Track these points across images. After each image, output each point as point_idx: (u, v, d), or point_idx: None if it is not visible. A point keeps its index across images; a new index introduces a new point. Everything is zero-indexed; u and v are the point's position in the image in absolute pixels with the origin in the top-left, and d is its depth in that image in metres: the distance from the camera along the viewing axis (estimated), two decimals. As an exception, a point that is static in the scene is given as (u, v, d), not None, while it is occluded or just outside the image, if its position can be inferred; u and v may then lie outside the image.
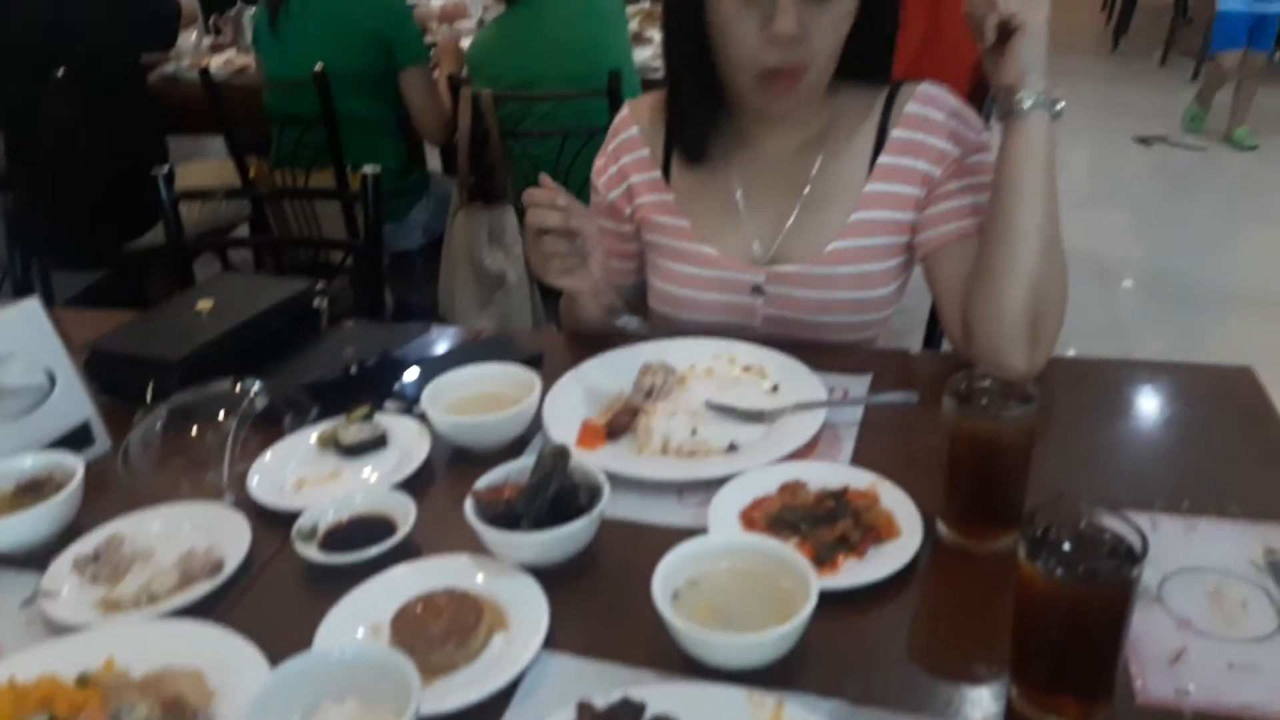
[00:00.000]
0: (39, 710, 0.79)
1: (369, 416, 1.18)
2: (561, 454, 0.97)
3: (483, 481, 0.99)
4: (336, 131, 2.73)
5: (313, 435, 1.18)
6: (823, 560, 0.91)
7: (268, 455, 1.15)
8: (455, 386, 1.20)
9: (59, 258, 2.91)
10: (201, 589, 0.95)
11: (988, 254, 1.17)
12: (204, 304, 1.38)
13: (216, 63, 3.54)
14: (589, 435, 1.14)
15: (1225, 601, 0.85)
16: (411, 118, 2.91)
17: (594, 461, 1.01)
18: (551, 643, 0.85)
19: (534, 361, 1.29)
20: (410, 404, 1.23)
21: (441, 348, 1.41)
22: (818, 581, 0.81)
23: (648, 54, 3.13)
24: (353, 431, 1.16)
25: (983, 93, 1.20)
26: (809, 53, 1.16)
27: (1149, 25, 7.19)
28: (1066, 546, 0.73)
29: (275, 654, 0.82)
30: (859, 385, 1.22)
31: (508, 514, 0.94)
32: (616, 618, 0.89)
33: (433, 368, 1.25)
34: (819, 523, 0.95)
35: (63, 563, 1.00)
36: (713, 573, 0.87)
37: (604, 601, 0.92)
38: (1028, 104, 1.11)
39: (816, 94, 1.25)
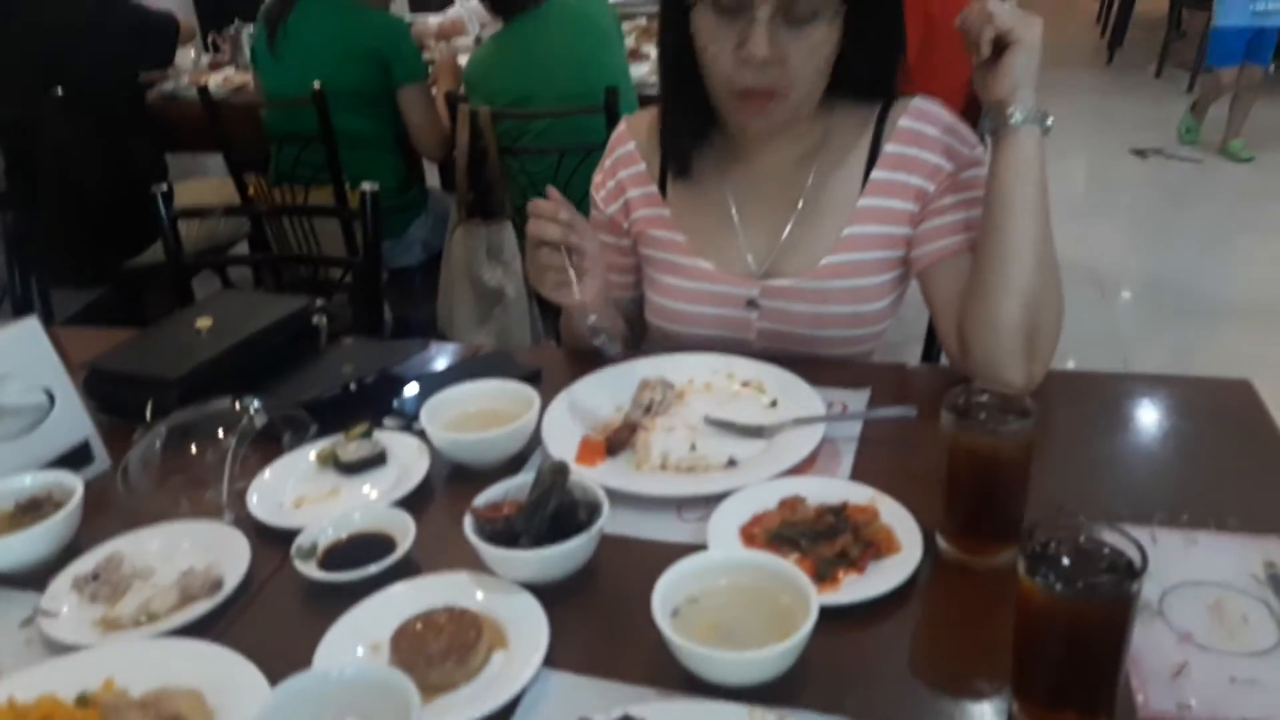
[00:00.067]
0: (38, 730, 0.79)
1: (368, 434, 1.18)
2: (560, 470, 0.97)
3: (481, 498, 0.99)
4: (335, 149, 2.74)
5: (312, 453, 1.18)
6: (823, 576, 0.91)
7: (267, 473, 1.15)
8: (454, 403, 1.20)
9: (58, 276, 2.92)
10: (201, 608, 0.95)
11: (981, 269, 1.17)
12: (203, 322, 1.38)
13: (215, 80, 3.56)
14: (588, 451, 1.14)
15: (1226, 615, 0.85)
16: (410, 135, 2.92)
17: (593, 478, 1.01)
18: (551, 660, 0.85)
19: (533, 378, 1.29)
20: (409, 421, 1.23)
21: (440, 364, 1.41)
22: (818, 597, 0.81)
23: (644, 70, 3.14)
24: (352, 449, 1.16)
25: (977, 108, 1.20)
26: (784, 75, 1.17)
27: (1143, 38, 7.23)
28: (1066, 561, 0.73)
29: (275, 673, 0.82)
30: (857, 400, 1.22)
31: (507, 531, 0.94)
32: (616, 635, 0.89)
33: (431, 384, 1.25)
34: (819, 538, 0.95)
35: (62, 582, 1.00)
36: (713, 589, 0.87)
37: (604, 619, 0.91)
38: (1018, 118, 1.12)
39: (801, 113, 1.26)
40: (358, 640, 0.89)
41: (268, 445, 1.18)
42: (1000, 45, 1.11)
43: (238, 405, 1.18)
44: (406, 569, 0.97)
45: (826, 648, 0.82)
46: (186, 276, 2.14)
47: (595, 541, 0.95)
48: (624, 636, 0.88)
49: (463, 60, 3.06)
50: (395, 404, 1.26)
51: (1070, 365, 3.04)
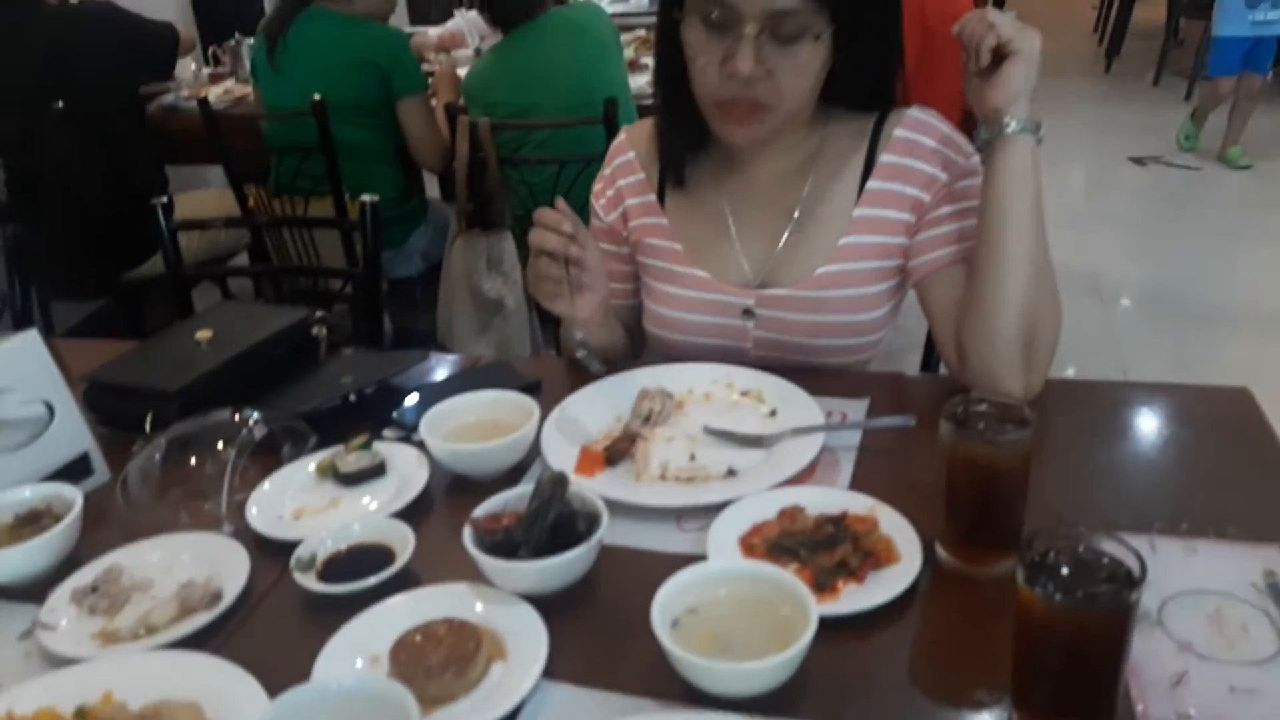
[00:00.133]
0: (37, 744, 0.79)
1: (367, 445, 1.18)
2: (560, 481, 0.97)
3: (481, 509, 0.99)
4: (335, 160, 2.75)
5: (311, 464, 1.18)
6: (822, 586, 0.90)
7: (266, 485, 1.15)
8: (454, 414, 1.20)
9: (58, 288, 2.92)
10: (200, 620, 0.94)
11: (978, 280, 1.17)
12: (203, 334, 1.38)
13: (215, 92, 3.57)
14: (587, 462, 1.14)
15: (1226, 624, 0.85)
16: (409, 147, 2.93)
17: (592, 488, 1.01)
18: (551, 672, 0.85)
19: (532, 388, 1.29)
20: (409, 432, 1.23)
21: (440, 375, 1.41)
22: (817, 608, 0.81)
23: (643, 81, 3.15)
24: (351, 460, 1.16)
25: (974, 119, 1.21)
26: (770, 90, 1.18)
27: (1141, 47, 7.25)
28: (1065, 571, 0.73)
29: (274, 685, 0.82)
30: (857, 409, 1.22)
31: (506, 542, 0.94)
32: (616, 646, 0.89)
33: (431, 395, 1.25)
34: (818, 548, 0.95)
35: (61, 594, 1.00)
36: (712, 600, 0.87)
37: (603, 630, 0.91)
38: (1014, 128, 1.12)
39: (789, 126, 1.27)
40: (357, 652, 0.89)
41: (267, 457, 1.18)
42: (999, 55, 1.11)
43: (237, 417, 1.18)
44: (406, 580, 0.97)
45: (826, 658, 0.82)
46: (186, 288, 2.14)
47: (594, 552, 0.95)
48: (623, 648, 0.88)
49: (462, 72, 3.07)
50: (395, 415, 1.26)
51: (1069, 373, 3.04)
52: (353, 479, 1.15)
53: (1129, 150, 5.37)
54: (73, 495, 1.09)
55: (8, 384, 1.14)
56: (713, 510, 1.02)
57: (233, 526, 1.09)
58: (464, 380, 1.33)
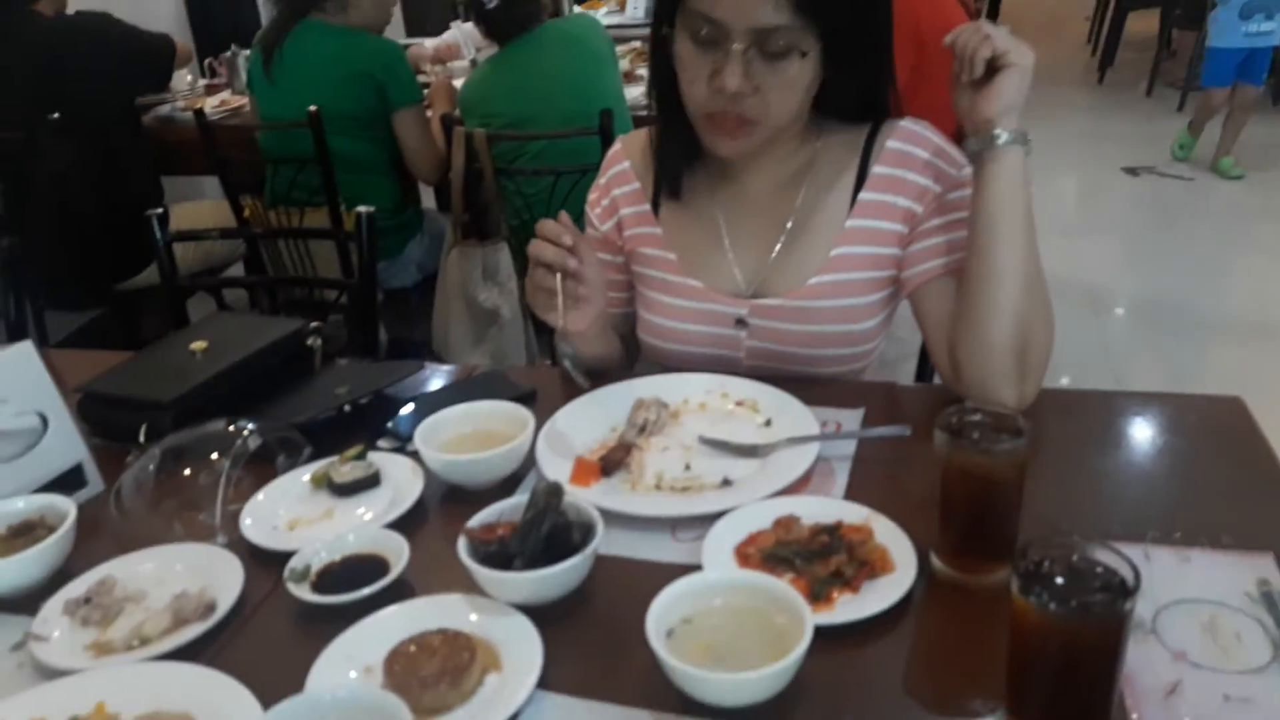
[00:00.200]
0: (29, 757, 0.79)
1: (362, 455, 1.18)
2: (555, 491, 0.97)
3: (476, 520, 0.99)
4: (331, 171, 2.75)
5: (306, 475, 1.18)
6: (817, 596, 0.90)
7: (260, 495, 1.15)
8: (448, 424, 1.20)
9: (53, 298, 2.92)
10: (193, 631, 0.94)
11: (969, 292, 1.18)
12: (197, 344, 1.38)
13: (211, 103, 3.57)
14: (582, 472, 1.14)
15: (1220, 633, 0.85)
16: (405, 158, 2.93)
17: (588, 498, 1.01)
18: (545, 683, 0.85)
19: (527, 398, 1.29)
20: (403, 442, 1.23)
21: (435, 385, 1.41)
22: (812, 617, 0.81)
23: (638, 92, 3.16)
24: (346, 471, 1.16)
25: (967, 131, 1.23)
26: (757, 106, 1.18)
27: (1134, 58, 7.29)
28: (1059, 580, 0.73)
29: (267, 696, 0.81)
30: (852, 419, 1.22)
31: (501, 553, 0.94)
32: (611, 656, 0.89)
33: (426, 405, 1.25)
34: (813, 558, 0.95)
35: (54, 606, 0.99)
36: (707, 610, 0.87)
37: (598, 640, 0.91)
38: (1005, 139, 1.13)
39: (779, 139, 1.27)
40: (351, 663, 0.88)
41: (262, 467, 1.18)
42: (993, 67, 1.12)
43: (232, 428, 1.18)
44: (400, 591, 0.97)
45: (821, 668, 0.82)
46: (181, 299, 2.14)
47: (590, 563, 0.95)
48: (618, 658, 0.88)
49: (457, 83, 3.07)
50: (389, 425, 1.26)
51: (1063, 382, 3.05)
52: (347, 489, 1.15)
53: (1122, 160, 5.39)
54: (66, 506, 1.09)
55: (1, 395, 1.14)
56: (708, 520, 1.02)
57: (227, 537, 1.08)
58: (459, 390, 1.33)
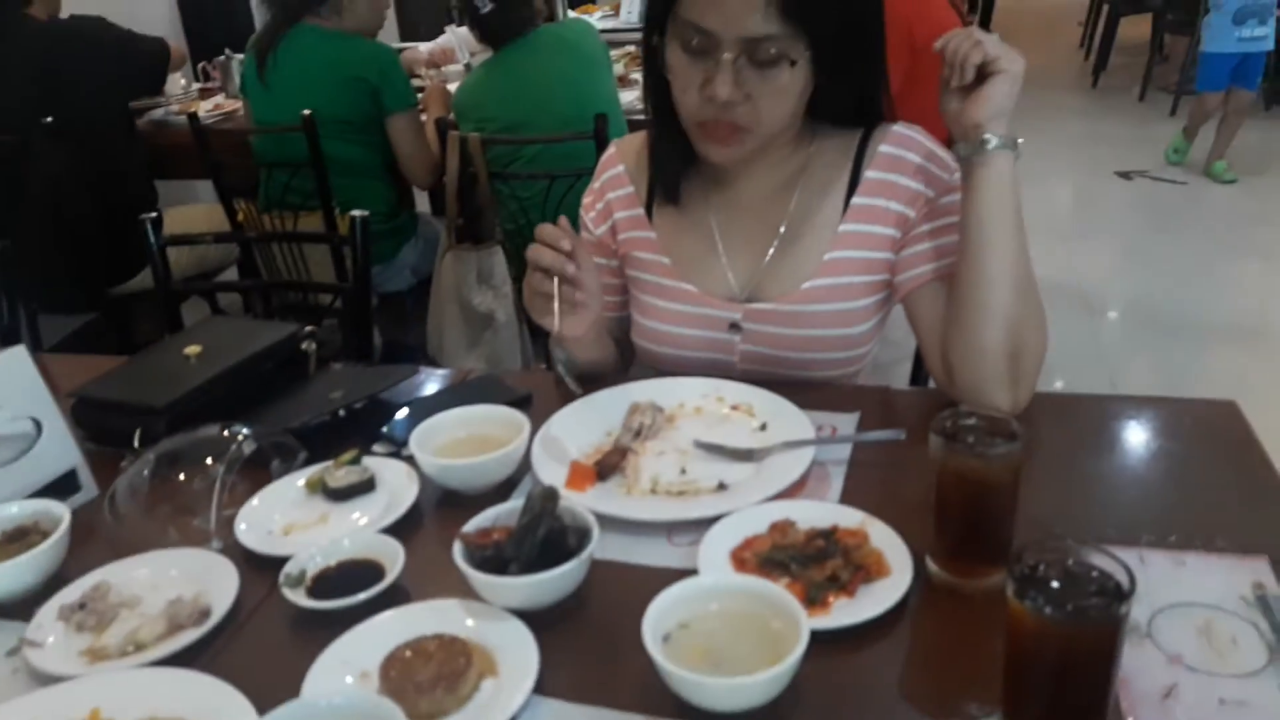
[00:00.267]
0: (23, 764, 0.78)
1: (357, 460, 1.18)
2: (550, 496, 0.97)
3: (471, 524, 0.99)
4: (325, 175, 2.75)
5: (300, 479, 1.18)
6: (813, 600, 0.90)
7: (255, 500, 1.14)
8: (444, 429, 1.20)
9: (46, 302, 2.91)
10: (188, 637, 0.94)
11: (961, 296, 1.18)
12: (192, 349, 1.38)
13: (205, 107, 3.57)
14: (578, 476, 1.14)
15: (1215, 637, 0.85)
16: (399, 163, 2.93)
17: (583, 503, 1.01)
18: (541, 688, 0.84)
19: (522, 403, 1.29)
20: (398, 447, 1.23)
21: (430, 390, 1.41)
22: (808, 622, 0.81)
23: (633, 96, 3.16)
24: (341, 475, 1.16)
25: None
26: (749, 113, 1.19)
27: (1127, 63, 7.31)
28: (1055, 584, 0.73)
29: (263, 702, 0.81)
30: (847, 423, 1.22)
31: (496, 557, 0.94)
32: (607, 661, 0.89)
33: (421, 410, 1.25)
34: (809, 562, 0.95)
35: (48, 612, 0.99)
36: (703, 615, 0.87)
37: (594, 645, 0.91)
38: (994, 144, 1.13)
39: (774, 144, 1.28)
40: (347, 668, 0.88)
41: (256, 472, 1.18)
42: (983, 73, 1.12)
43: (226, 432, 1.17)
44: (395, 596, 0.97)
45: (818, 672, 0.82)
46: (175, 303, 2.14)
47: (585, 567, 0.95)
48: (614, 663, 0.88)
49: (452, 87, 3.08)
50: (384, 430, 1.26)
51: (1058, 386, 3.05)
52: (342, 494, 1.15)
53: (1115, 165, 5.41)
54: (60, 512, 1.08)
55: (-5, 400, 1.14)
56: (704, 524, 1.02)
57: (221, 542, 1.08)
58: (454, 395, 1.33)
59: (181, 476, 1.16)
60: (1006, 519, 0.93)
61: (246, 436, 1.17)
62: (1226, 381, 3.23)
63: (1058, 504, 1.04)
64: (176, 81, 3.83)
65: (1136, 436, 1.19)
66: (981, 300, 1.16)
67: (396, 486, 1.15)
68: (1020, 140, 1.15)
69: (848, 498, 1.08)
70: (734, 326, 1.33)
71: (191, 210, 3.43)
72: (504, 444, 1.14)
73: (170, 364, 1.37)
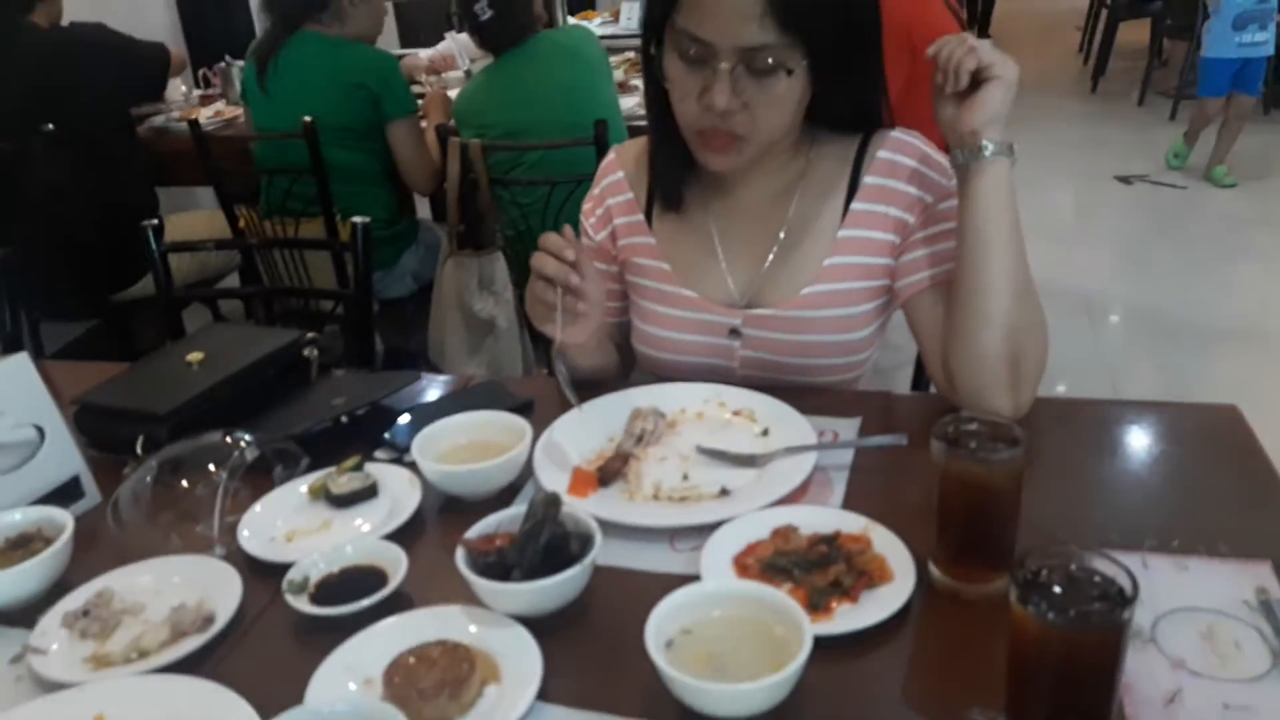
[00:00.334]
0: (27, 771, 0.78)
1: (359, 466, 1.18)
2: (553, 502, 0.97)
3: (473, 531, 0.99)
4: (326, 182, 2.75)
5: (303, 486, 1.18)
6: (816, 606, 0.90)
7: (258, 507, 1.14)
8: (446, 435, 1.20)
9: (48, 309, 2.91)
10: (192, 643, 0.94)
11: (960, 303, 1.18)
12: (194, 356, 1.38)
13: (206, 114, 3.57)
14: (580, 482, 1.14)
15: (1219, 642, 0.85)
16: (399, 169, 2.94)
17: (585, 509, 1.01)
18: (545, 694, 0.84)
19: (524, 409, 1.29)
20: (401, 453, 1.23)
21: (432, 396, 1.41)
22: (811, 628, 0.81)
23: (633, 102, 3.17)
24: (343, 482, 1.16)
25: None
26: (746, 122, 1.19)
27: (1126, 67, 7.32)
28: (1058, 589, 0.73)
29: (267, 709, 0.81)
30: (849, 428, 1.22)
31: (499, 564, 0.94)
32: (610, 667, 0.89)
33: (423, 416, 1.25)
34: (812, 568, 0.95)
35: (52, 618, 0.99)
36: (706, 621, 0.87)
37: (597, 651, 0.91)
38: (990, 151, 1.13)
39: (773, 151, 1.28)
40: (350, 675, 0.88)
41: (259, 479, 1.18)
42: (977, 80, 1.12)
43: (229, 439, 1.17)
44: (399, 603, 0.97)
45: (821, 678, 0.82)
46: (177, 310, 2.14)
47: (588, 573, 0.95)
48: (618, 669, 0.88)
49: (452, 94, 3.08)
50: (386, 436, 1.26)
51: (1059, 390, 3.06)
52: (345, 501, 1.15)
53: (1115, 169, 5.41)
54: (63, 519, 1.09)
55: (-2, 407, 1.14)
56: (706, 530, 1.02)
57: (224, 549, 1.08)
58: (456, 401, 1.33)
59: (184, 483, 1.16)
60: (1009, 524, 0.93)
61: (249, 443, 1.17)
62: (1228, 386, 3.23)
63: (1060, 509, 1.04)
64: (177, 88, 3.83)
65: (1138, 441, 1.19)
66: (980, 307, 1.16)
67: (399, 493, 1.15)
68: (1015, 146, 1.15)
69: (850, 503, 1.08)
70: (734, 332, 1.33)
71: (193, 217, 3.43)
72: (506, 450, 1.14)
73: (172, 371, 1.38)
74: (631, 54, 3.93)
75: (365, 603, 0.95)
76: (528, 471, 1.17)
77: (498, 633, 0.91)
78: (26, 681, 0.93)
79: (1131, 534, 0.98)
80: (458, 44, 3.89)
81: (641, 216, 1.41)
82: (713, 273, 1.36)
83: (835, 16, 1.16)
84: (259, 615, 1.00)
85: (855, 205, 1.30)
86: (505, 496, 1.14)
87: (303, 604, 0.97)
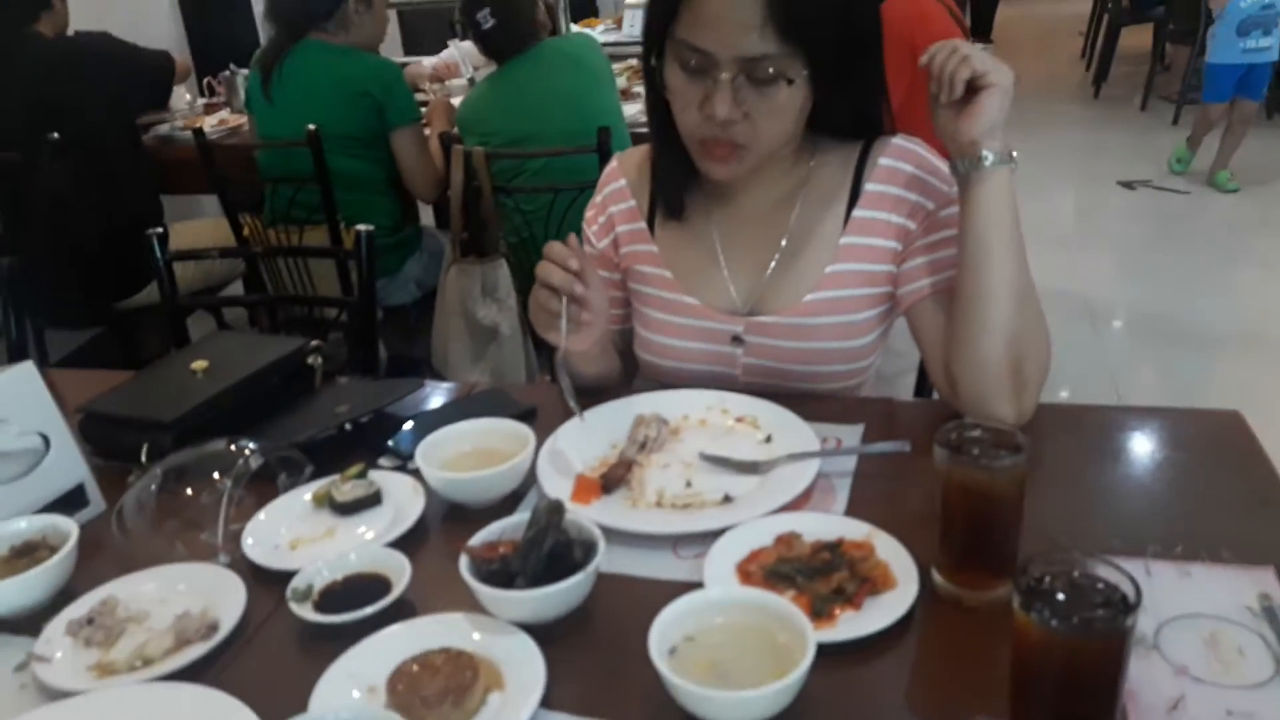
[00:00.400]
0: (32, 779, 0.79)
1: (363, 474, 1.18)
2: (556, 509, 0.97)
3: (477, 538, 0.99)
4: (330, 190, 2.76)
5: (307, 494, 1.18)
6: (819, 613, 0.91)
7: (262, 515, 1.15)
8: (449, 442, 1.20)
9: (53, 317, 2.92)
10: (196, 651, 0.94)
11: (961, 310, 1.18)
12: (198, 364, 1.38)
13: (210, 122, 3.58)
14: (583, 489, 1.14)
15: (1222, 648, 0.85)
16: (403, 177, 2.94)
17: (589, 516, 1.01)
18: (548, 702, 0.85)
19: (528, 416, 1.30)
20: (404, 460, 1.23)
21: (435, 403, 1.41)
22: (815, 635, 0.81)
23: (636, 109, 3.18)
24: (347, 489, 1.16)
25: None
26: (747, 131, 1.19)
27: (1128, 73, 7.33)
28: (1061, 596, 0.73)
29: (270, 717, 0.82)
30: (851, 435, 1.22)
31: (502, 571, 0.94)
32: (613, 675, 0.89)
33: (426, 423, 1.25)
34: (815, 575, 0.95)
35: (56, 626, 0.99)
36: (709, 628, 0.87)
37: (601, 658, 0.91)
38: (991, 160, 1.13)
39: (775, 158, 1.28)
40: (354, 683, 0.88)
41: (263, 487, 1.18)
42: (973, 88, 1.12)
43: (233, 447, 1.18)
44: (402, 610, 0.97)
45: (824, 685, 0.82)
46: (181, 318, 2.14)
47: (591, 580, 0.95)
48: (621, 676, 0.88)
49: (456, 101, 3.09)
50: (390, 444, 1.26)
51: (1063, 396, 3.05)
52: (349, 508, 1.15)
53: (1118, 174, 5.41)
54: (68, 527, 1.09)
55: (3, 415, 1.14)
56: (709, 537, 1.02)
57: (229, 557, 1.08)
58: (459, 408, 1.33)
59: (189, 491, 1.16)
60: (1012, 531, 0.93)
61: (253, 451, 1.17)
62: (1231, 391, 3.23)
63: (1063, 515, 1.04)
64: (182, 97, 3.84)
65: (1141, 447, 1.19)
66: (981, 314, 1.16)
67: (402, 500, 1.15)
68: (1015, 153, 1.15)
69: (853, 510, 1.08)
70: (736, 340, 1.34)
71: (197, 225, 3.44)
72: (509, 457, 1.14)
73: (177, 379, 1.38)
74: (634, 61, 3.94)
75: (369, 610, 0.95)
76: (531, 479, 1.17)
77: (501, 640, 0.91)
78: (31, 690, 0.93)
79: (1134, 540, 0.98)
80: (461, 52, 3.90)
81: (644, 224, 1.41)
82: (715, 280, 1.36)
83: (836, 26, 1.16)
84: (263, 623, 1.00)
85: (857, 212, 1.30)
86: (509, 504, 1.15)
87: (307, 612, 0.97)
